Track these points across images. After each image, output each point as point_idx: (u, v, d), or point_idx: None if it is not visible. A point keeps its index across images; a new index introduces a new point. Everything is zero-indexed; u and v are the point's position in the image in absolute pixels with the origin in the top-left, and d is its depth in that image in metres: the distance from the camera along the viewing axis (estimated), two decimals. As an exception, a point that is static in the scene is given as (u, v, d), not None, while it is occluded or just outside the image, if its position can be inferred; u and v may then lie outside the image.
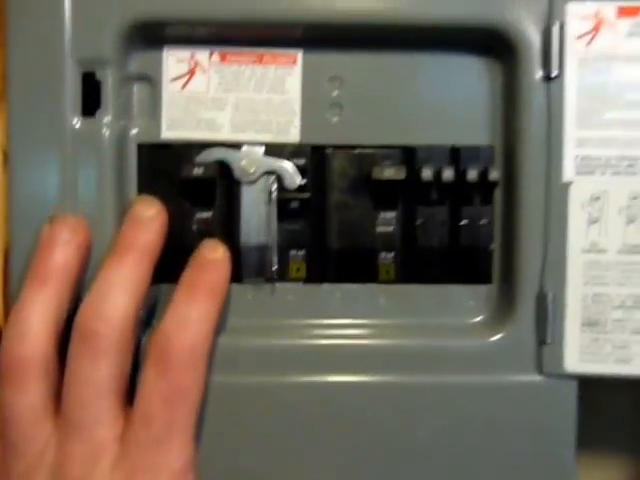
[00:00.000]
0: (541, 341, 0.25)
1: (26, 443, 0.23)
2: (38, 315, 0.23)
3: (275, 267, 0.26)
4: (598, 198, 0.25)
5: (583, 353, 0.25)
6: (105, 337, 0.22)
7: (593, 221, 0.25)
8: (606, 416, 0.34)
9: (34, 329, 0.23)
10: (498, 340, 0.26)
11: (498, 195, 0.26)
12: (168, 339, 0.23)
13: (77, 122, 0.25)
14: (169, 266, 0.26)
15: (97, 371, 0.22)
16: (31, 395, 0.23)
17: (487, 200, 0.26)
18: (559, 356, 0.25)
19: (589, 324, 0.25)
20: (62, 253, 0.23)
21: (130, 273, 0.23)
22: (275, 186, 0.26)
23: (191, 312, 0.23)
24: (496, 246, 0.26)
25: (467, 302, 0.27)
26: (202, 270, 0.24)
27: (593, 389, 0.32)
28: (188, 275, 0.24)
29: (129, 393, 0.24)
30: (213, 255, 0.24)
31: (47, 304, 0.23)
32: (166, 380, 0.23)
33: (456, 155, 0.26)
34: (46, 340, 0.23)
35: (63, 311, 0.23)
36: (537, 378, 0.25)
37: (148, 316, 0.26)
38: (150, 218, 0.24)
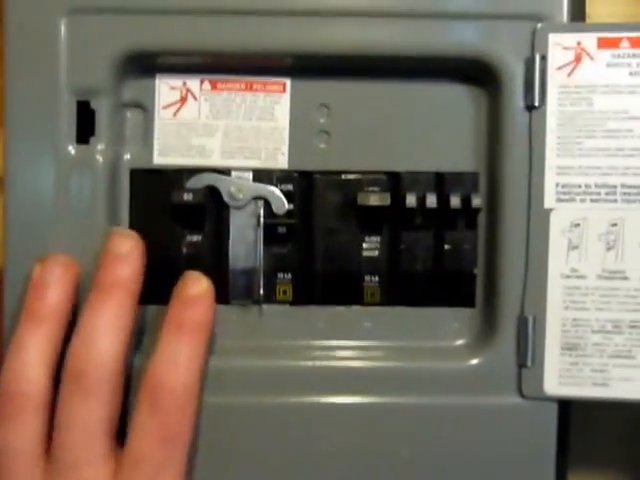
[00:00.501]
0: (521, 364, 0.26)
1: None
2: (35, 354, 0.23)
3: (262, 290, 0.27)
4: (578, 225, 0.26)
5: (562, 376, 0.26)
6: (95, 379, 0.23)
7: (573, 247, 0.26)
8: (599, 434, 0.34)
9: (32, 367, 0.23)
10: (480, 363, 0.26)
11: (482, 220, 0.27)
12: (159, 380, 0.23)
13: (72, 149, 0.26)
14: (159, 288, 0.26)
15: (88, 413, 0.23)
16: (27, 433, 0.23)
17: (471, 225, 0.27)
18: (539, 379, 0.26)
19: (569, 348, 0.26)
20: (55, 292, 0.24)
21: (115, 312, 0.23)
22: (262, 211, 0.26)
23: (180, 352, 0.23)
24: (479, 270, 0.27)
25: (451, 325, 0.27)
26: (187, 307, 0.24)
27: (587, 407, 0.32)
28: (174, 313, 0.24)
29: (119, 430, 0.24)
30: (197, 289, 0.24)
31: (43, 343, 0.23)
32: (159, 422, 0.23)
33: (440, 181, 0.27)
34: (43, 378, 0.23)
35: (57, 348, 0.24)
36: (517, 400, 0.26)
37: (137, 338, 0.26)
38: (128, 252, 0.24)
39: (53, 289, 0.24)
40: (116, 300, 0.24)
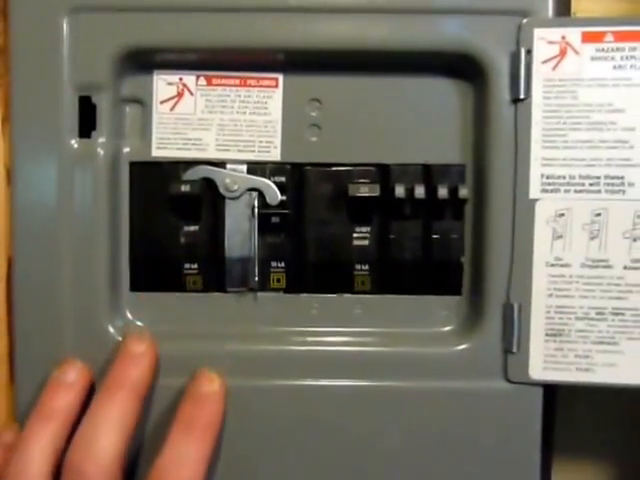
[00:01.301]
0: (507, 350, 0.27)
1: None
2: (39, 451, 0.24)
3: (256, 278, 0.28)
4: (562, 215, 0.26)
5: (547, 362, 0.27)
6: (94, 478, 0.23)
7: (558, 236, 0.26)
8: (583, 421, 0.35)
9: (35, 466, 0.24)
10: (467, 348, 0.27)
11: (469, 210, 0.28)
12: (165, 477, 0.23)
13: (74, 142, 0.27)
14: (158, 277, 0.28)
15: None
16: None
17: (458, 216, 0.28)
18: (524, 364, 0.27)
19: (553, 334, 0.26)
20: (66, 394, 0.25)
21: (120, 410, 0.24)
22: (257, 202, 0.27)
23: (188, 450, 0.24)
24: (466, 259, 0.28)
25: (439, 312, 0.28)
26: (199, 405, 0.25)
27: (571, 396, 0.33)
28: (185, 410, 0.25)
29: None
30: (209, 388, 0.25)
31: (48, 440, 0.24)
32: None
33: (428, 173, 0.27)
34: (44, 477, 0.24)
35: (62, 446, 0.24)
36: (503, 385, 0.27)
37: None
38: (141, 354, 0.25)
39: (65, 391, 0.25)
40: (122, 398, 0.24)
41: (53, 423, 0.25)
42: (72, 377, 0.26)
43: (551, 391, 0.28)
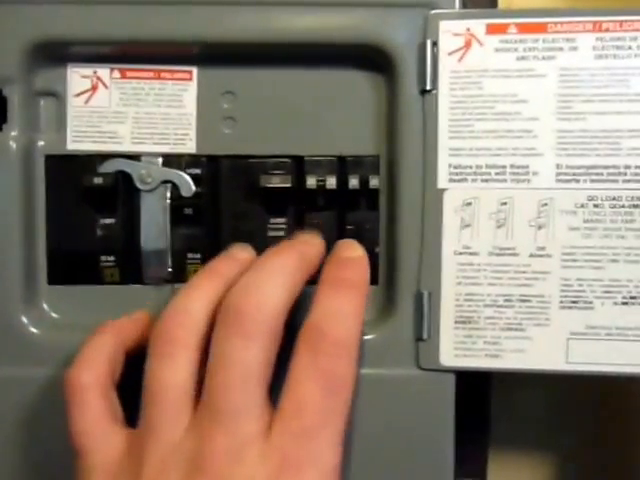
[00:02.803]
0: (418, 338, 0.27)
1: (167, 425, 0.21)
2: (203, 293, 0.23)
3: (170, 269, 0.28)
4: (470, 204, 0.27)
5: (457, 349, 0.27)
6: (257, 320, 0.21)
7: (465, 225, 0.27)
8: (520, 415, 0.35)
9: (195, 307, 0.23)
10: (380, 337, 0.27)
11: (383, 202, 0.28)
12: (322, 329, 0.22)
13: (-15, 136, 0.27)
14: (75, 270, 0.28)
15: (246, 356, 0.21)
16: (180, 370, 0.22)
17: (372, 206, 0.28)
18: (435, 351, 0.27)
19: (462, 322, 0.27)
20: (233, 265, 0.25)
21: (291, 269, 0.23)
22: (169, 194, 0.27)
23: (342, 305, 0.23)
24: (381, 249, 0.28)
25: (355, 301, 0.28)
26: (343, 267, 0.24)
27: (507, 387, 0.33)
28: (330, 272, 0.24)
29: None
30: (351, 253, 0.25)
31: (213, 289, 0.23)
32: (321, 368, 0.22)
33: (342, 164, 0.28)
34: (204, 319, 0.23)
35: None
36: (415, 372, 0.27)
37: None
38: (318, 243, 0.25)
39: (233, 262, 0.25)
40: (295, 261, 0.23)
41: (223, 278, 0.23)
42: (243, 254, 0.25)
43: (465, 378, 0.28)
